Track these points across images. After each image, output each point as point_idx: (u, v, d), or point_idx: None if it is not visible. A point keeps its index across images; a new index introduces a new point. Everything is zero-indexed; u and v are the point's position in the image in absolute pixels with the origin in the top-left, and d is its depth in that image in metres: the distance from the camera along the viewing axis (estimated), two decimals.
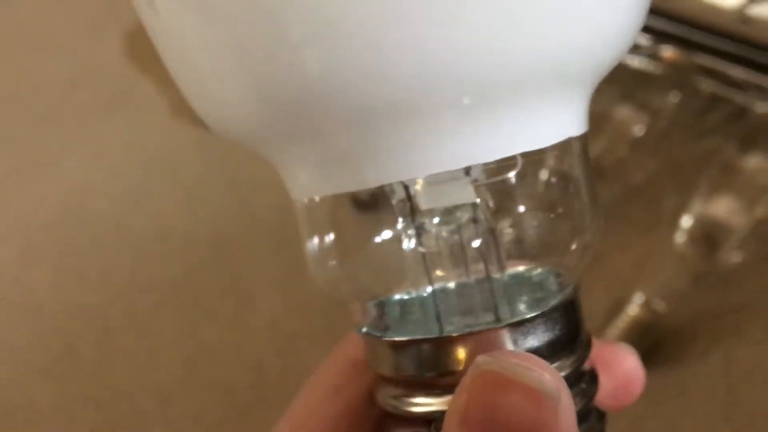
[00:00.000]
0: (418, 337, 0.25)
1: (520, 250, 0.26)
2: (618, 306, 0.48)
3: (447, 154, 0.22)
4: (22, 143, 0.64)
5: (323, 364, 0.30)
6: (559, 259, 0.27)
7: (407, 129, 0.21)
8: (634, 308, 0.48)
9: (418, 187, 0.25)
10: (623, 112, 0.54)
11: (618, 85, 0.54)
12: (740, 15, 0.52)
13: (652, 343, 0.48)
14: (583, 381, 0.25)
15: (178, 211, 0.59)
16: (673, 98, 0.54)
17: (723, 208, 0.49)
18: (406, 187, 0.25)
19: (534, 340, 0.24)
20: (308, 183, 0.24)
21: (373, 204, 0.27)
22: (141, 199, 0.60)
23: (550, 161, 0.26)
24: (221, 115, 0.23)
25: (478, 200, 0.25)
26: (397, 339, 0.25)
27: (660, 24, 0.54)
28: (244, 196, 0.59)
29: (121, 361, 0.52)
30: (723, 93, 0.54)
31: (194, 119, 0.64)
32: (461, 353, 0.24)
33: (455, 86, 0.20)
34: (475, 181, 0.25)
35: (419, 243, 0.26)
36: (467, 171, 0.25)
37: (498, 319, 0.25)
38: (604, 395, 0.27)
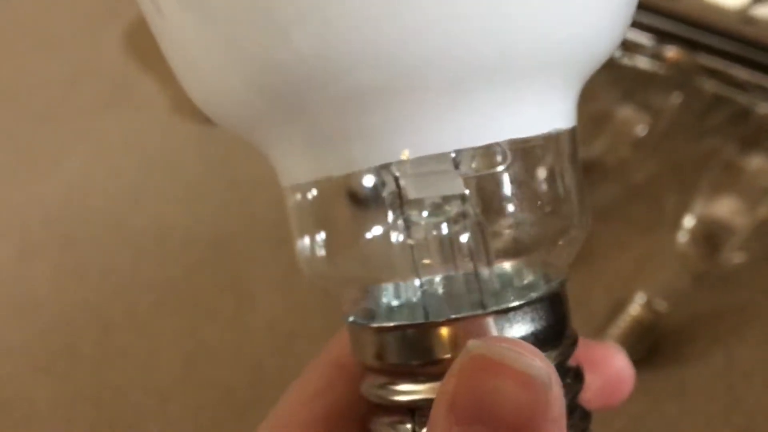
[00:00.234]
0: (404, 323, 0.25)
1: (507, 244, 0.26)
2: (619, 306, 0.48)
3: (434, 138, 0.22)
4: (22, 141, 0.64)
5: (308, 367, 0.30)
6: (546, 252, 0.27)
7: (395, 111, 0.21)
8: (635, 308, 0.48)
9: (408, 178, 0.25)
10: (625, 111, 0.54)
11: (620, 84, 0.54)
12: (743, 15, 0.52)
13: (653, 342, 0.48)
14: (568, 377, 0.25)
15: (177, 210, 0.59)
16: (676, 98, 0.54)
17: (725, 208, 0.49)
18: (395, 178, 0.25)
19: (519, 330, 0.24)
20: (298, 167, 0.24)
21: (370, 200, 0.27)
22: (141, 198, 0.60)
23: (539, 156, 0.27)
24: (214, 99, 0.23)
25: (467, 192, 0.25)
26: (382, 325, 0.25)
27: (663, 24, 0.54)
28: (244, 195, 0.59)
29: (120, 359, 0.52)
30: (725, 93, 0.54)
31: (194, 117, 0.64)
32: (446, 339, 0.24)
33: (443, 68, 0.21)
34: (464, 174, 0.25)
35: (408, 235, 0.26)
36: (456, 164, 0.25)
37: (483, 307, 0.25)
38: (592, 395, 0.27)
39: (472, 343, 0.22)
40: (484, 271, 0.26)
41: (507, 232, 0.26)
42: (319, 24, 0.20)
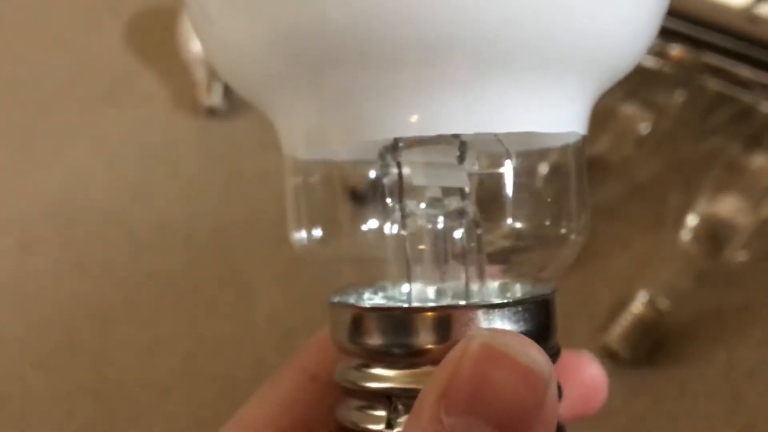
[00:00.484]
0: (388, 304, 0.25)
1: (503, 245, 0.26)
2: (622, 304, 0.48)
3: (445, 118, 0.22)
4: (22, 134, 0.64)
5: (278, 374, 0.29)
6: (542, 256, 0.26)
7: (410, 84, 0.21)
8: (637, 306, 0.48)
9: (411, 167, 0.25)
10: (629, 109, 0.54)
11: (624, 82, 0.54)
12: (748, 14, 0.52)
13: (655, 341, 0.48)
14: None
15: (178, 203, 0.58)
16: (679, 96, 0.54)
17: (728, 207, 0.49)
18: (398, 164, 0.25)
19: (506, 328, 0.23)
20: (305, 134, 0.24)
21: (369, 194, 0.27)
22: (141, 192, 0.59)
23: (545, 160, 0.27)
24: (235, 59, 0.23)
25: (467, 188, 0.25)
26: (365, 305, 0.25)
27: (667, 22, 0.54)
28: (244, 188, 0.59)
29: (119, 353, 0.52)
30: (729, 92, 0.54)
31: (195, 112, 0.63)
32: (431, 327, 0.23)
33: (469, 44, 0.21)
34: (467, 171, 0.25)
35: (403, 225, 0.25)
36: (461, 158, 0.25)
37: (470, 300, 0.25)
38: (566, 405, 0.27)
39: (477, 331, 0.22)
40: (475, 268, 0.26)
41: (504, 234, 0.26)
42: None
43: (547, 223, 0.26)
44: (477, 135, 0.22)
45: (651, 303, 0.47)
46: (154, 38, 0.67)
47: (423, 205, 0.26)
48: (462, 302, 0.24)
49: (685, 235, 0.49)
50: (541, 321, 0.24)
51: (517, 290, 0.26)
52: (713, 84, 0.55)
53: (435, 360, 0.22)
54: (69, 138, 0.62)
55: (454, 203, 0.26)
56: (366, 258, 0.27)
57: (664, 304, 0.48)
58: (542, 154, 0.26)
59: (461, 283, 0.25)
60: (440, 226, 0.26)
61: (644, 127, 0.54)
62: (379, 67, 0.21)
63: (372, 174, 0.27)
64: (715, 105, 0.55)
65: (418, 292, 0.25)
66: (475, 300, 0.25)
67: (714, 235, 0.49)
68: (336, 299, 0.26)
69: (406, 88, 0.21)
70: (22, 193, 0.60)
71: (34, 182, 0.60)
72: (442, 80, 0.21)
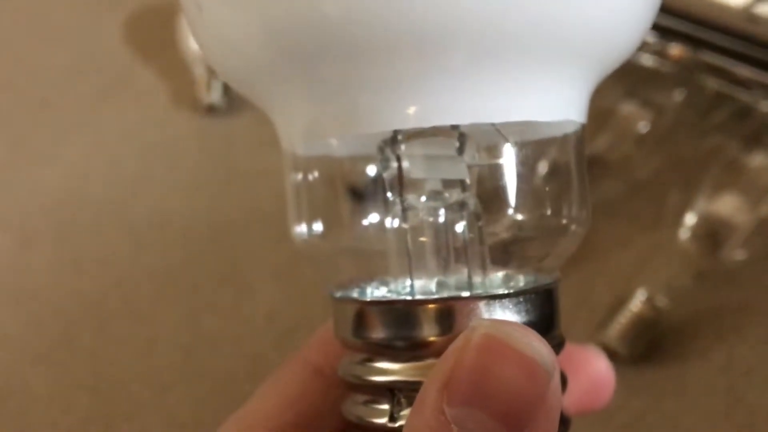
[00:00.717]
0: (390, 297, 0.24)
1: (505, 237, 0.26)
2: (620, 302, 0.48)
3: (444, 109, 0.22)
4: (21, 130, 0.64)
5: (282, 369, 0.29)
6: (544, 247, 0.26)
7: (409, 74, 0.21)
8: (636, 304, 0.48)
9: (411, 160, 0.25)
10: (628, 108, 0.54)
11: (623, 81, 0.54)
12: (747, 13, 0.52)
13: (654, 339, 0.48)
14: None
15: (177, 201, 0.58)
16: (679, 95, 0.54)
17: (727, 205, 0.49)
18: (398, 157, 0.25)
19: (509, 318, 0.23)
20: (303, 129, 0.24)
21: (368, 191, 0.27)
22: (140, 188, 0.59)
23: (544, 150, 0.27)
24: (229, 53, 0.23)
25: (468, 179, 0.25)
26: (367, 299, 0.25)
27: (667, 21, 0.54)
28: (243, 185, 0.59)
29: (118, 349, 0.52)
30: (728, 91, 0.54)
31: (194, 108, 0.63)
32: (434, 319, 0.23)
33: (468, 32, 0.20)
34: (467, 163, 0.25)
35: (404, 218, 0.25)
36: (461, 150, 0.25)
37: (472, 292, 0.24)
38: (572, 399, 0.27)
39: (479, 322, 0.21)
40: (477, 260, 0.25)
41: (505, 225, 0.26)
42: None
43: (548, 213, 0.26)
44: (475, 125, 0.22)
45: (650, 301, 0.48)
46: (154, 35, 0.67)
47: (423, 198, 0.26)
48: (464, 294, 0.24)
49: (684, 234, 0.49)
50: (544, 311, 0.24)
51: (520, 282, 0.26)
52: (712, 83, 0.55)
53: (438, 352, 0.22)
54: (68, 135, 0.62)
55: (454, 196, 0.25)
56: (367, 252, 0.27)
57: (662, 302, 0.48)
58: (542, 144, 0.26)
59: (463, 275, 0.25)
60: (441, 219, 0.26)
61: (643, 126, 0.54)
62: (374, 59, 0.21)
63: (371, 170, 0.27)
64: (714, 104, 0.55)
65: (421, 285, 0.25)
66: (478, 291, 0.25)
67: (713, 233, 0.49)
68: (338, 294, 0.26)
69: (401, 79, 0.21)
70: (21, 190, 0.60)
71: (33, 179, 0.60)
72: (437, 71, 0.21)
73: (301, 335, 0.51)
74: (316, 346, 0.29)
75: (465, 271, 0.25)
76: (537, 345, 0.21)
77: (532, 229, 0.26)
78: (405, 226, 0.25)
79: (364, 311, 0.24)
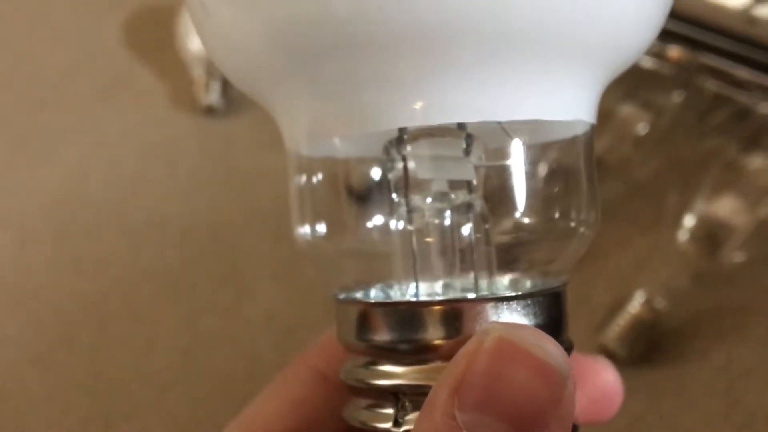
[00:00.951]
0: (395, 299, 0.24)
1: (512, 239, 0.26)
2: (619, 303, 0.48)
3: (451, 107, 0.21)
4: (20, 130, 0.64)
5: (285, 373, 0.29)
6: (552, 249, 0.26)
7: (417, 70, 0.21)
8: (635, 306, 0.48)
9: (417, 160, 0.25)
10: (627, 110, 0.54)
11: (622, 83, 0.54)
12: (746, 15, 0.52)
13: (653, 341, 0.48)
14: None
15: (176, 200, 0.58)
16: (678, 97, 0.54)
17: (725, 207, 0.49)
18: (404, 158, 0.25)
19: (517, 321, 0.23)
20: (307, 128, 0.24)
21: (368, 196, 0.27)
22: (139, 188, 0.59)
23: (554, 153, 0.26)
24: (233, 52, 0.23)
25: (474, 181, 0.25)
26: (371, 301, 0.24)
27: (666, 23, 0.54)
28: (242, 186, 0.59)
29: (117, 349, 0.52)
30: (727, 93, 0.54)
31: (193, 109, 0.63)
32: (440, 322, 0.23)
33: (469, 28, 0.20)
34: (474, 163, 0.25)
35: (409, 220, 0.25)
36: (467, 151, 0.24)
37: (479, 294, 0.24)
38: (579, 409, 0.27)
39: (492, 325, 0.21)
40: (483, 262, 0.25)
41: (512, 227, 0.26)
42: None
43: (557, 216, 0.26)
44: (482, 126, 0.22)
45: (649, 302, 0.48)
46: (153, 36, 0.67)
47: (429, 200, 0.25)
48: (470, 295, 0.24)
49: (683, 235, 0.49)
50: (552, 315, 0.24)
51: (527, 285, 0.25)
52: (711, 85, 0.55)
53: (444, 355, 0.22)
54: (67, 135, 0.62)
55: (461, 197, 0.25)
56: (371, 253, 0.27)
57: (661, 303, 0.48)
58: (551, 146, 0.26)
59: (469, 278, 0.25)
60: (447, 220, 0.25)
61: (642, 128, 0.54)
62: (380, 57, 0.21)
63: (373, 172, 0.27)
64: (713, 106, 0.55)
65: (426, 287, 0.25)
66: (484, 294, 0.25)
67: (712, 235, 0.49)
68: (342, 296, 0.25)
69: (408, 77, 0.21)
70: (20, 190, 0.60)
71: (32, 179, 0.60)
72: (444, 68, 0.21)
73: (301, 336, 0.51)
74: (319, 350, 0.28)
75: (471, 273, 0.25)
76: (551, 349, 0.20)
77: (540, 232, 0.26)
78: (410, 227, 0.25)
79: (367, 313, 0.24)
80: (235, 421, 0.27)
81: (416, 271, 0.25)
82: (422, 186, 0.25)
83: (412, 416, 0.23)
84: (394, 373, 0.23)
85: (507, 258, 0.26)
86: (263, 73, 0.23)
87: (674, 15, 0.53)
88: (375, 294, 0.26)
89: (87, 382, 0.51)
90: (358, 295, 0.25)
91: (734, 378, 0.46)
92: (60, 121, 0.63)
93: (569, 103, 0.23)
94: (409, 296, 0.25)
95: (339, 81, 0.22)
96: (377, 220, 0.27)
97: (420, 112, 0.21)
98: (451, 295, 0.25)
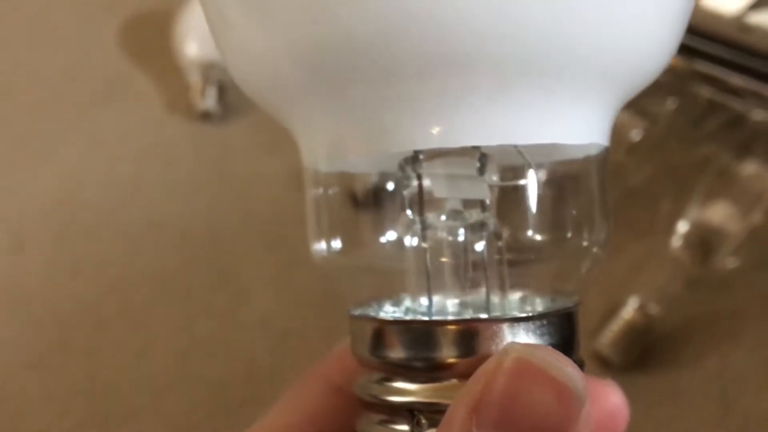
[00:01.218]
0: (410, 317, 0.24)
1: (524, 258, 0.26)
2: (612, 309, 0.48)
3: (470, 130, 0.22)
4: (17, 134, 0.64)
5: (299, 385, 0.29)
6: (565, 268, 0.26)
7: (433, 94, 0.21)
8: (628, 312, 0.48)
9: (432, 179, 0.25)
10: (621, 116, 0.54)
11: None
12: (739, 23, 0.52)
13: (647, 347, 0.48)
14: None
15: (172, 205, 0.59)
16: (671, 104, 0.55)
17: (719, 214, 0.50)
18: (419, 176, 0.25)
19: (531, 342, 0.23)
20: (328, 146, 0.24)
21: (371, 203, 0.27)
22: (135, 193, 0.60)
23: (567, 173, 0.26)
24: (254, 70, 0.23)
25: (488, 199, 0.25)
26: (387, 318, 0.24)
27: None
28: (239, 191, 0.59)
29: (113, 353, 0.52)
30: (721, 100, 0.55)
31: (190, 114, 0.63)
32: (455, 341, 0.23)
33: (489, 54, 0.20)
34: (488, 183, 0.25)
35: (423, 237, 0.25)
36: (482, 170, 0.25)
37: (490, 313, 0.24)
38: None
39: (511, 345, 0.21)
40: (496, 280, 0.25)
41: (525, 246, 0.26)
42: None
43: (569, 235, 0.26)
44: (498, 146, 0.22)
45: (642, 308, 0.48)
46: (149, 41, 0.67)
47: (443, 218, 0.25)
48: (485, 315, 0.24)
49: (677, 242, 0.49)
50: (564, 334, 0.24)
51: (538, 303, 0.26)
52: (705, 92, 0.55)
53: (460, 374, 0.22)
54: (63, 139, 0.62)
55: (474, 215, 0.25)
56: (386, 270, 0.27)
57: (655, 309, 0.48)
58: (564, 165, 0.26)
59: (481, 295, 0.25)
60: (461, 238, 0.25)
61: (636, 134, 0.54)
62: (400, 80, 0.21)
63: (374, 179, 0.27)
64: (706, 113, 0.55)
65: (439, 304, 0.25)
66: (496, 313, 0.25)
67: (705, 241, 0.49)
68: (357, 312, 0.26)
69: (427, 100, 0.21)
70: (16, 193, 0.60)
71: (29, 182, 0.60)
72: (463, 93, 0.21)
73: (296, 340, 0.51)
74: (333, 362, 0.28)
75: (483, 291, 0.25)
76: (570, 371, 0.20)
77: (552, 251, 0.26)
78: (424, 245, 0.25)
79: (382, 330, 0.24)
80: (249, 431, 0.27)
81: (429, 288, 0.25)
82: (436, 203, 0.25)
83: None
84: (408, 390, 0.24)
85: (519, 276, 0.26)
86: (284, 90, 0.23)
87: None
88: (388, 309, 0.26)
89: (84, 384, 0.51)
90: (372, 312, 0.25)
91: (728, 383, 0.47)
92: (57, 124, 0.63)
93: (585, 126, 0.23)
94: (422, 313, 0.25)
95: (360, 102, 0.22)
96: (391, 236, 0.27)
97: (438, 135, 0.22)
98: (465, 314, 0.25)
